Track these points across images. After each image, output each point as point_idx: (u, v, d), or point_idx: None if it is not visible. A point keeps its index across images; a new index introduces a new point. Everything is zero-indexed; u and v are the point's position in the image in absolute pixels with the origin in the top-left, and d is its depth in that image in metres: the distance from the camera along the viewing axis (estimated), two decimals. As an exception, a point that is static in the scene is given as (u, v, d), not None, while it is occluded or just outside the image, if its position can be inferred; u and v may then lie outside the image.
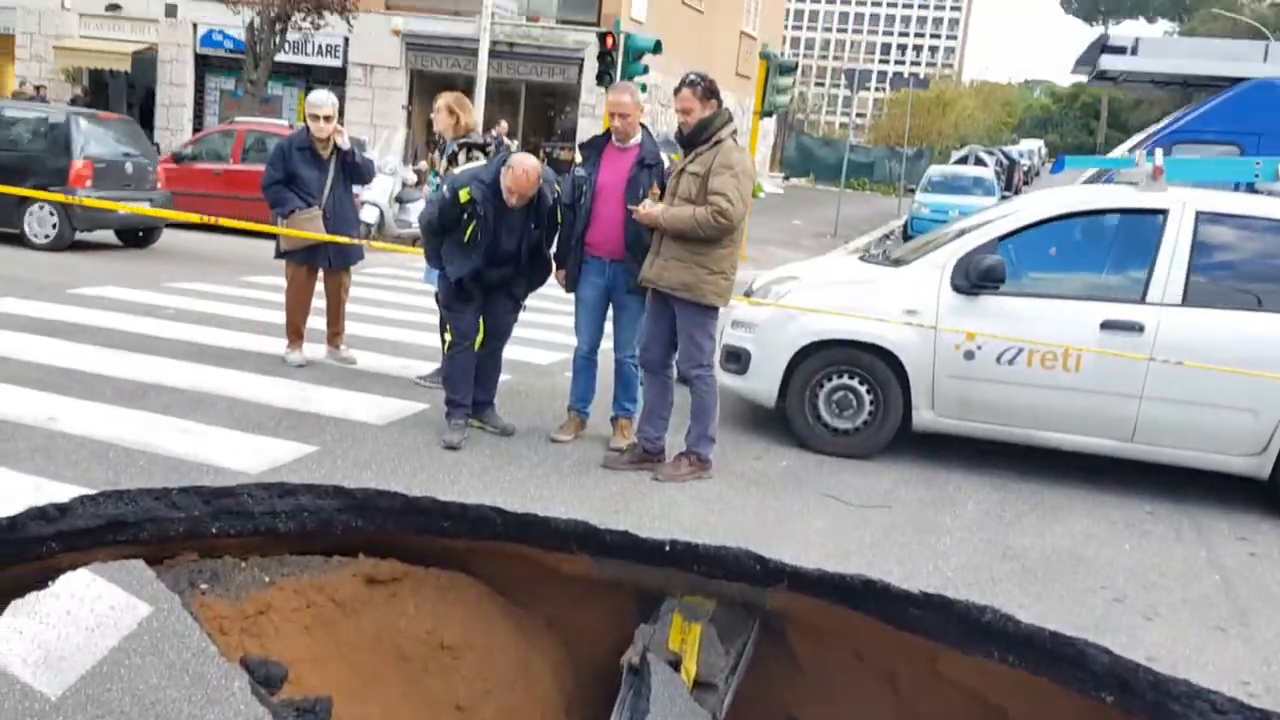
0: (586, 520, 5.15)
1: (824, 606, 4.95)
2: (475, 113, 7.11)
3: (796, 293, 6.35)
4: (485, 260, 5.75)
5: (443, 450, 5.66)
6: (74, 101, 22.88)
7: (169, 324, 8.23)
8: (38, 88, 22.44)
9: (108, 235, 13.17)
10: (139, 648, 3.56)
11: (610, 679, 4.66)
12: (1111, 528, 5.40)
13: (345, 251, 7.25)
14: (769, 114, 18.41)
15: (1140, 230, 5.93)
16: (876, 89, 78.58)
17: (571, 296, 6.07)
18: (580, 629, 5.42)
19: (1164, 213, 5.80)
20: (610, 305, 5.95)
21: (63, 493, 4.30)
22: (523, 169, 5.57)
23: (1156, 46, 10.06)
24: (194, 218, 9.99)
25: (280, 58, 20.12)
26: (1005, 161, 39.05)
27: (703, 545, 5.14)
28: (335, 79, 22.52)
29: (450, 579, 5.46)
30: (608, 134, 5.83)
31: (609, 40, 15.74)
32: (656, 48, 16.03)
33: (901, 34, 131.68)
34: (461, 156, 6.85)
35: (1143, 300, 5.74)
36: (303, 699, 4.68)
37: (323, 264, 7.25)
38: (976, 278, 5.83)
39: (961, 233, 6.30)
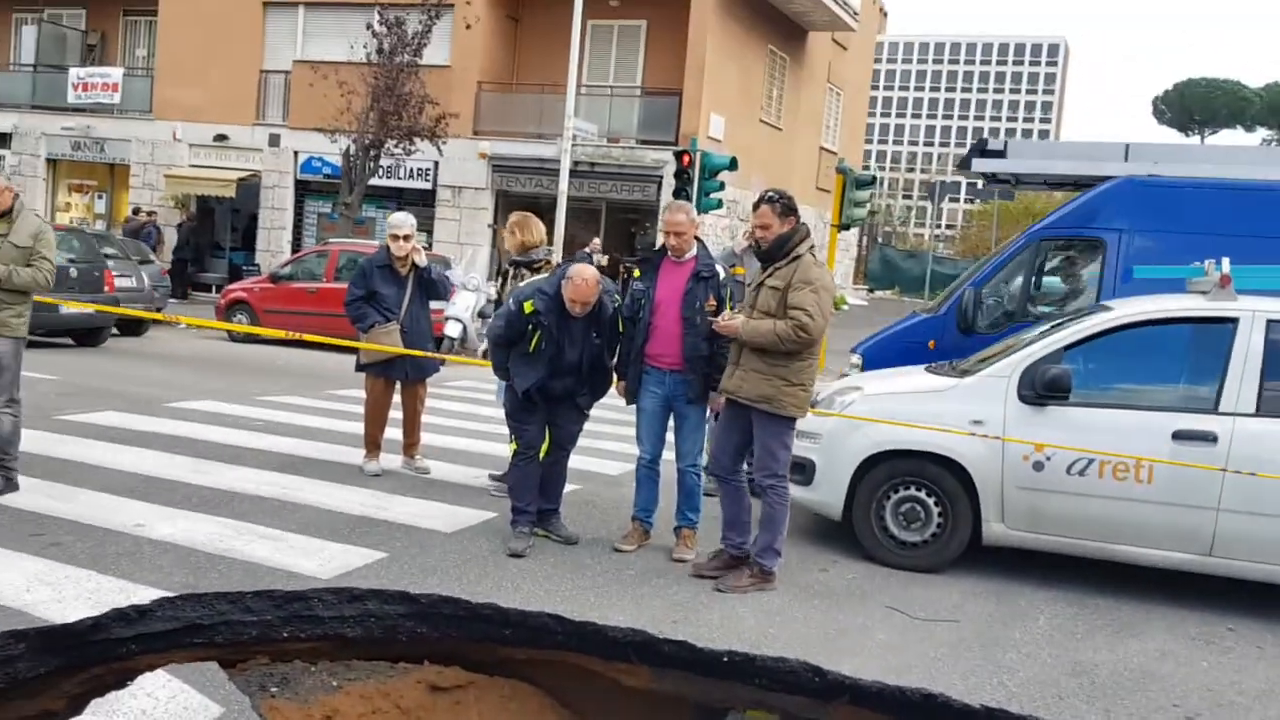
0: (644, 629, 5.21)
1: (887, 723, 4.84)
2: (538, 231, 7.25)
3: (860, 403, 6.38)
4: (549, 371, 5.92)
5: (507, 558, 5.75)
6: (180, 226, 24.16)
7: (257, 435, 8.56)
8: (149, 213, 23.77)
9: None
10: (209, 749, 3.68)
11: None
12: (1190, 644, 5.22)
13: (421, 365, 7.51)
14: (846, 227, 18.57)
15: (1210, 339, 5.86)
16: (967, 200, 78.60)
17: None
18: (644, 743, 5.38)
19: (1234, 321, 5.74)
20: (671, 415, 6.06)
21: (145, 595, 4.51)
22: (582, 279, 5.77)
23: (1023, 149, 10.70)
24: (181, 319, 10.50)
25: (374, 181, 21.05)
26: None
27: (760, 656, 5.17)
28: (425, 200, 23.43)
29: (513, 688, 5.54)
30: (664, 249, 6.02)
31: (685, 158, 16.19)
32: (732, 165, 16.42)
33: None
34: (510, 272, 7.18)
35: (1215, 410, 5.64)
36: (366, 806, 4.71)
37: (399, 377, 7.52)
38: (1043, 388, 5.80)
39: (1029, 342, 6.29)
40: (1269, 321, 5.67)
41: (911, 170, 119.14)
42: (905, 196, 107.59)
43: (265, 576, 5.05)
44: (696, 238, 6.01)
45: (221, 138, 24.99)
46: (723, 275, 5.95)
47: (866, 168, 48.71)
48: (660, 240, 6.03)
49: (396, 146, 19.98)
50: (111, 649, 3.87)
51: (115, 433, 8.20)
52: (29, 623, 4.09)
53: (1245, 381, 5.60)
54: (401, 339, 7.35)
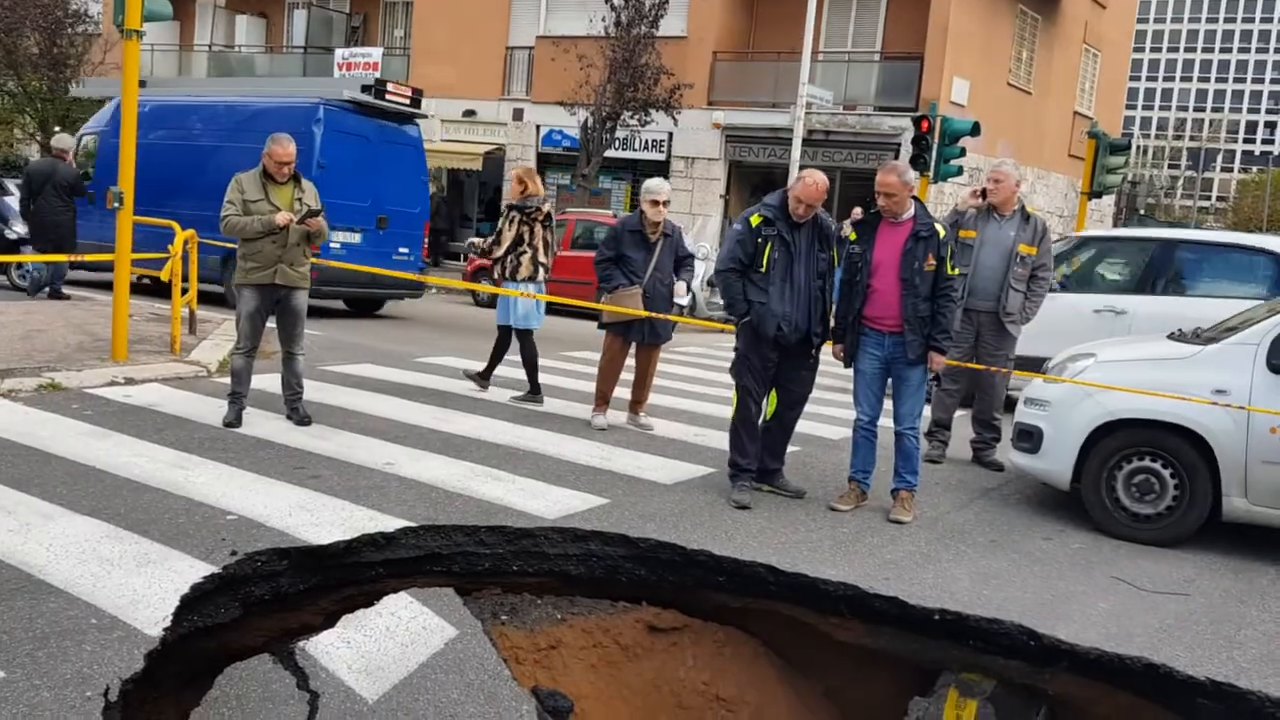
0: (856, 584, 5.22)
1: (1108, 693, 4.77)
2: (538, 184, 8.59)
3: (1094, 369, 6.13)
4: (783, 289, 5.97)
5: (722, 509, 5.90)
6: (434, 198, 25.61)
7: (495, 389, 9.08)
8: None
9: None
10: (444, 665, 4.01)
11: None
12: None
13: (657, 330, 7.74)
14: (1098, 194, 17.60)
15: None
16: (1241, 169, 72.51)
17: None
18: (858, 698, 5.44)
19: None
20: (889, 378, 6.03)
21: (391, 525, 4.94)
22: (812, 179, 5.92)
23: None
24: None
25: (610, 153, 21.62)
26: None
27: (972, 616, 5.13)
28: (659, 171, 23.80)
29: (728, 634, 5.67)
30: (879, 212, 5.97)
31: (924, 124, 15.76)
32: (974, 130, 15.86)
33: (1270, 110, 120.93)
34: (507, 214, 8.30)
35: None
36: (587, 733, 4.95)
37: (636, 339, 7.77)
38: (1298, 357, 5.40)
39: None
40: None
41: (1180, 137, 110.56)
42: (1172, 166, 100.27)
43: (497, 514, 5.39)
44: (915, 198, 5.93)
45: (470, 113, 26.32)
46: (943, 234, 5.85)
47: (1128, 134, 45.73)
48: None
49: (632, 118, 20.44)
50: (361, 571, 4.33)
51: (371, 382, 8.92)
52: (290, 543, 4.59)
53: None
54: (643, 303, 7.58)
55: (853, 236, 6.04)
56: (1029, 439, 6.30)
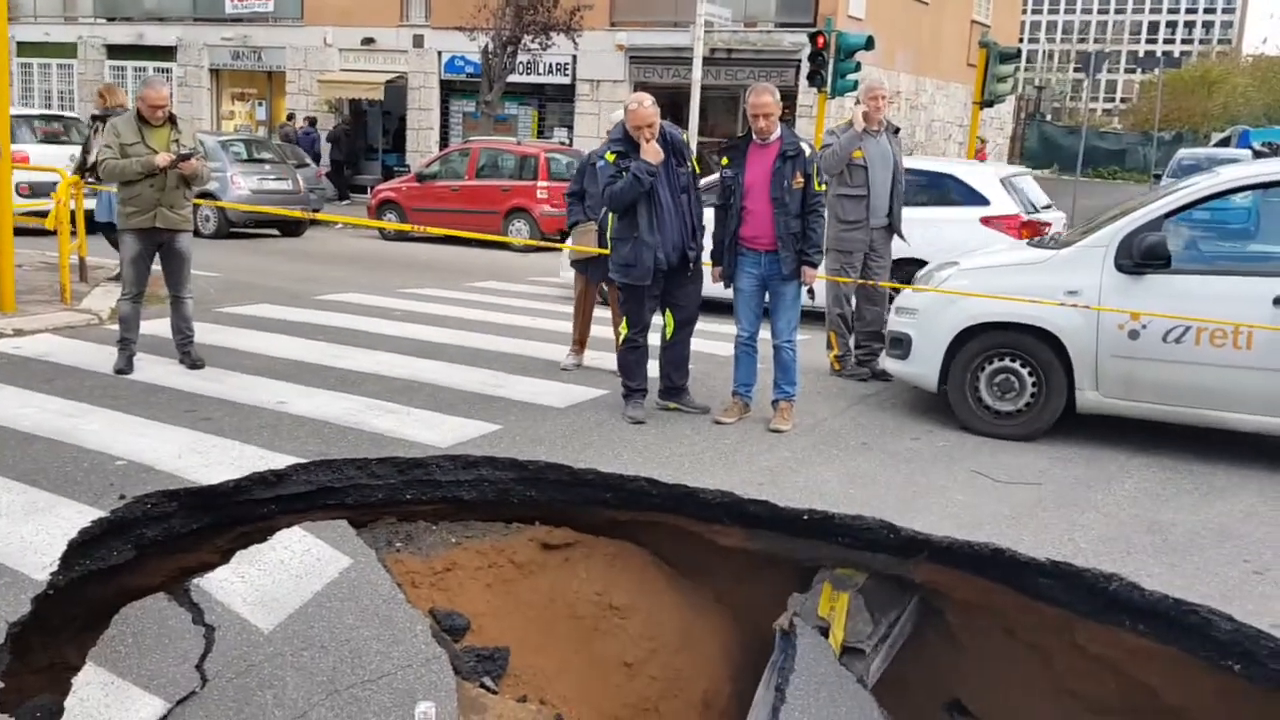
0: (732, 491, 5.49)
1: (963, 578, 5.16)
2: (120, 96, 9.84)
3: (957, 277, 6.43)
4: (650, 220, 6.06)
5: (612, 429, 6.11)
6: (334, 129, 25.17)
7: (394, 323, 9.16)
8: (309, 119, 24.87)
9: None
10: (339, 594, 4.15)
11: (768, 644, 5.06)
12: (1279, 507, 5.21)
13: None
14: (989, 104, 17.97)
15: (1320, 201, 5.67)
16: (1143, 72, 73.70)
17: None
18: (743, 599, 5.78)
19: (1345, 181, 5.53)
20: (766, 294, 6.26)
21: (282, 462, 5.06)
22: (636, 103, 6.04)
23: None
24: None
25: (513, 78, 21.38)
26: (1277, 141, 35.94)
27: (838, 514, 5.47)
28: (565, 96, 23.69)
29: (618, 547, 5.94)
30: (748, 135, 6.13)
31: (820, 40, 15.89)
32: (868, 44, 16.02)
33: (1171, 10, 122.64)
34: (96, 126, 9.19)
35: (1320, 273, 5.49)
36: (483, 647, 5.27)
37: (594, 278, 7.66)
38: (1140, 256, 5.74)
39: (1130, 210, 6.18)
40: (1383, 180, 5.45)
41: (1084, 40, 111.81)
42: (1076, 70, 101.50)
43: (389, 446, 5.52)
44: (781, 118, 6.11)
45: (369, 41, 25.75)
46: (808, 153, 6.05)
47: (1034, 39, 46.34)
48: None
49: (533, 42, 20.22)
50: (253, 509, 4.50)
51: (267, 322, 8.93)
52: (180, 485, 4.69)
53: (1354, 243, 5.42)
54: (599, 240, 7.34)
55: (725, 162, 6.20)
56: (900, 346, 6.60)
